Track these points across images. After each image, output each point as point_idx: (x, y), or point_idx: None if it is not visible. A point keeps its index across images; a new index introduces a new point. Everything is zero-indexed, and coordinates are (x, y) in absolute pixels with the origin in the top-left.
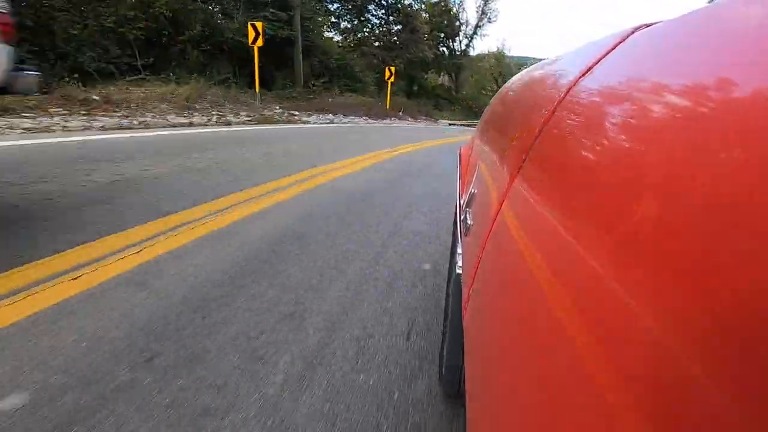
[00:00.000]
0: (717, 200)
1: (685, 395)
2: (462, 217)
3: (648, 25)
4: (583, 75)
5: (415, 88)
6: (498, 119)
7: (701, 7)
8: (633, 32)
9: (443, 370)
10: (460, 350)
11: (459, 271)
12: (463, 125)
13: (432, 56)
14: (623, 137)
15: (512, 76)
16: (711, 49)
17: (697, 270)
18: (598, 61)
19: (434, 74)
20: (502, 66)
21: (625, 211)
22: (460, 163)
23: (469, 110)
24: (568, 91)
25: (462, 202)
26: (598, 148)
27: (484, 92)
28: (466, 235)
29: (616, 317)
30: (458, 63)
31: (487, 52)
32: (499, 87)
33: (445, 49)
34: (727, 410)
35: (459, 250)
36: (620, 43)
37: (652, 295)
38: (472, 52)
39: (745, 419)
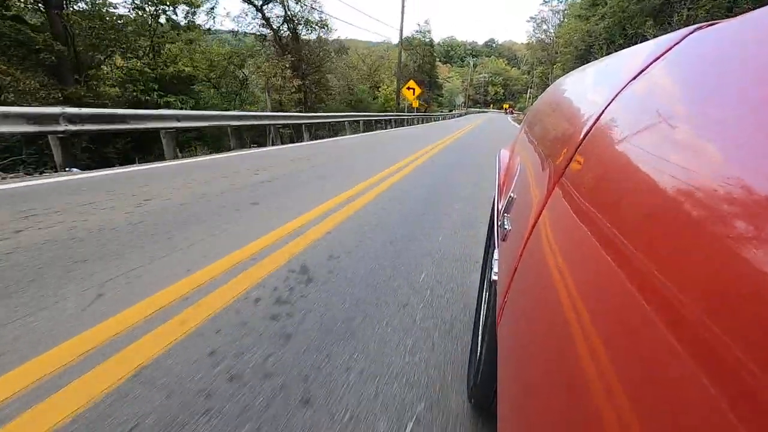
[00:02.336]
0: None
1: (706, 403)
2: (500, 222)
3: (706, 26)
4: (635, 78)
5: None
6: (542, 122)
7: (761, 8)
8: (691, 33)
9: (474, 383)
10: (494, 360)
11: (495, 277)
12: None
13: None
14: (675, 145)
15: None
16: None
17: (755, 287)
18: (652, 62)
19: None
20: None
21: (673, 223)
22: (499, 167)
23: None
24: (617, 95)
25: (500, 206)
26: (646, 155)
27: None
28: (503, 241)
29: (656, 339)
30: None
31: None
32: None
33: None
34: None
35: (495, 256)
36: (677, 43)
37: (698, 313)
38: None
39: None
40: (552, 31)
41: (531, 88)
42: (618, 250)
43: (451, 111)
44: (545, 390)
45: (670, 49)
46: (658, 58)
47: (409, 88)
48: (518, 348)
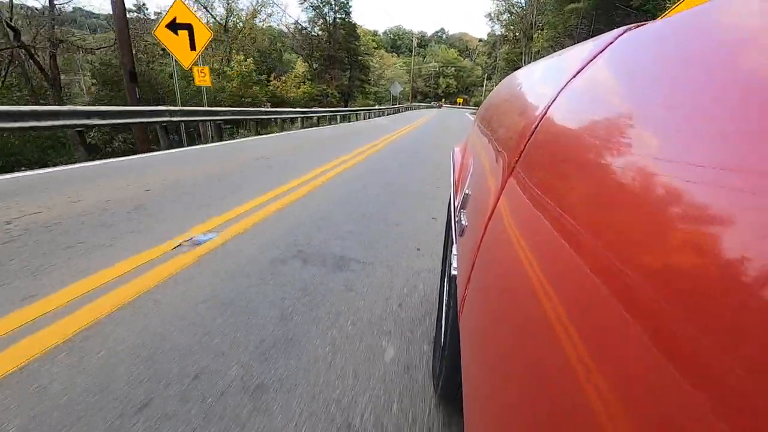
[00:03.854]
0: (705, 197)
1: (675, 395)
2: (456, 219)
3: (635, 27)
4: (575, 75)
5: None
6: (492, 120)
7: (688, 10)
8: (623, 33)
9: (439, 374)
10: (458, 352)
11: (455, 272)
12: None
13: None
14: (614, 136)
15: None
16: (698, 50)
17: (689, 267)
18: (590, 61)
19: None
20: None
21: (618, 208)
22: (453, 164)
23: None
24: (560, 92)
25: (456, 203)
26: (589, 147)
27: None
28: (461, 236)
29: (612, 316)
30: None
31: None
32: None
33: None
34: (702, 405)
35: (454, 252)
36: (611, 44)
37: (648, 294)
38: None
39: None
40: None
41: (494, 74)
42: (571, 236)
43: (394, 105)
44: (507, 378)
45: (605, 48)
46: (595, 56)
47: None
48: (480, 339)
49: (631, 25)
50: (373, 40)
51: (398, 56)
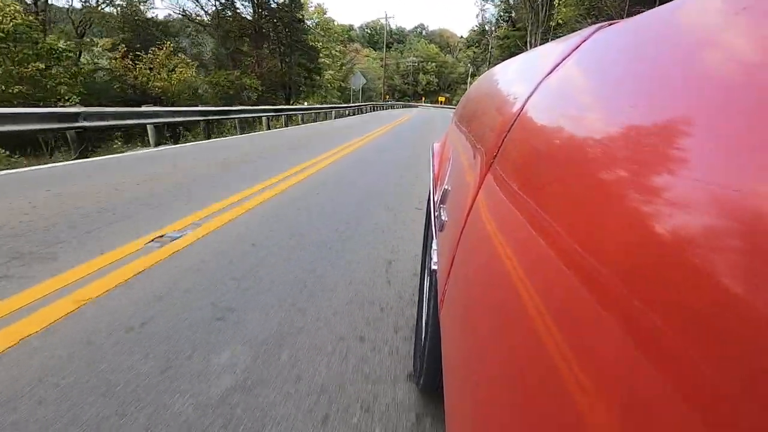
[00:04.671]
0: (680, 191)
1: (650, 384)
2: (436, 214)
3: (607, 26)
4: (550, 72)
5: None
6: (470, 116)
7: (659, 7)
8: (596, 31)
9: (420, 368)
10: (439, 347)
11: (435, 267)
12: None
13: None
14: (587, 133)
15: None
16: (666, 47)
17: (657, 259)
18: (564, 59)
19: None
20: None
21: (593, 203)
22: (433, 160)
23: None
24: (536, 89)
25: (436, 198)
26: (564, 143)
27: None
28: (440, 231)
29: (588, 309)
30: None
31: None
32: None
33: None
34: (668, 398)
35: (434, 247)
36: (584, 41)
37: (625, 288)
38: None
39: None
40: None
41: (484, 65)
42: (548, 231)
43: (367, 103)
44: (487, 371)
45: (579, 46)
46: (569, 54)
47: None
48: (460, 333)
49: (604, 23)
50: (348, 34)
51: (375, 51)
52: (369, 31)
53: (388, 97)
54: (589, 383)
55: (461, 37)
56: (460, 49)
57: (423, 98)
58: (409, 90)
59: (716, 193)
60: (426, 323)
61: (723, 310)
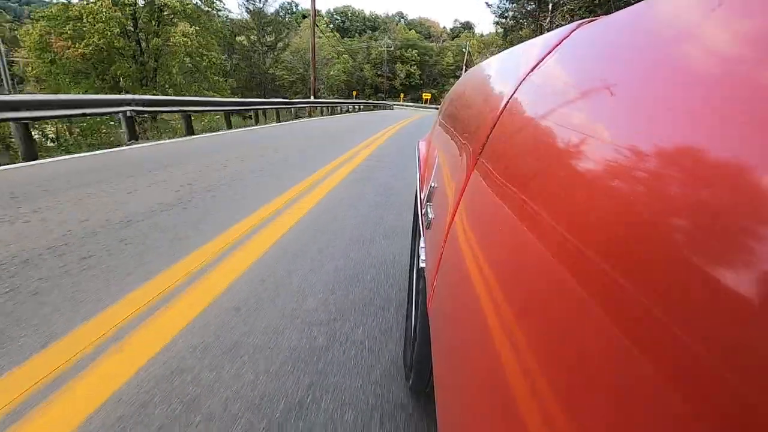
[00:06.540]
0: (666, 184)
1: (635, 378)
2: (423, 211)
3: (587, 23)
4: (533, 70)
5: None
6: (455, 113)
7: (637, 4)
8: (576, 28)
9: (410, 366)
10: (428, 345)
11: (423, 265)
12: None
13: None
14: (571, 127)
15: None
16: (647, 44)
17: (642, 251)
18: (546, 56)
19: None
20: None
21: (578, 196)
22: (419, 158)
23: None
24: (519, 85)
25: (423, 196)
26: (549, 138)
27: None
28: (428, 229)
29: (576, 302)
30: None
31: None
32: None
33: None
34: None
35: (422, 244)
36: (565, 38)
37: (613, 282)
38: None
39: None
40: None
41: (491, 46)
42: (534, 225)
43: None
44: (476, 367)
45: (560, 42)
46: (551, 50)
47: None
48: (449, 329)
49: (584, 20)
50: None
51: (345, 39)
52: (338, 17)
53: (356, 94)
54: (579, 378)
55: (444, 27)
56: (444, 40)
57: (402, 95)
58: (383, 85)
59: (696, 186)
60: (415, 322)
61: (710, 301)
